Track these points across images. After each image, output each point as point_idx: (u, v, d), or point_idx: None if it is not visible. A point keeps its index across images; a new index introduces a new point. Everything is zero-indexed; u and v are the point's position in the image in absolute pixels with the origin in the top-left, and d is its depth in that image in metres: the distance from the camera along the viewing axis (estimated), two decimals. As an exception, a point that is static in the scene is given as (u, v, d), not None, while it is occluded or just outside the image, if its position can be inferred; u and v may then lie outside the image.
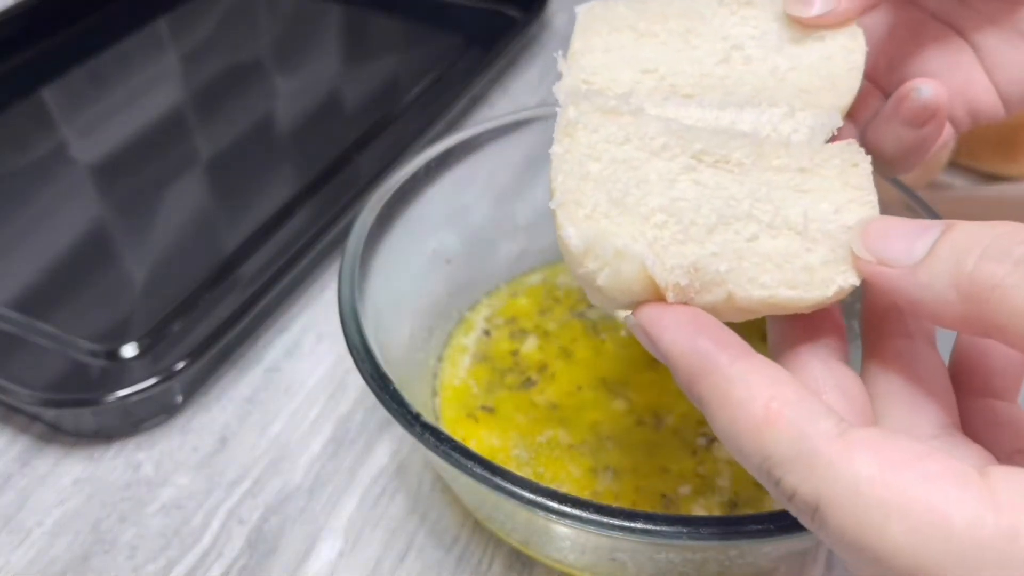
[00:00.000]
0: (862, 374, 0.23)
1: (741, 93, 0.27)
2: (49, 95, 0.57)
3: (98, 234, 0.47)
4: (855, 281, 0.21)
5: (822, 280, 0.21)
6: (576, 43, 0.28)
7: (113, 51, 0.61)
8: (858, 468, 0.17)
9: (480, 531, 0.34)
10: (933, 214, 0.33)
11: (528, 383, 0.37)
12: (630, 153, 0.23)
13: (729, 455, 0.32)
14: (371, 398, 0.39)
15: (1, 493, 0.36)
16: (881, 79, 0.30)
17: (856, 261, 0.21)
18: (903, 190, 0.34)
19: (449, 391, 0.37)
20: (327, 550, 0.34)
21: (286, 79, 0.59)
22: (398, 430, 0.38)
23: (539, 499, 0.24)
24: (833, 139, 0.25)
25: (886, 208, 0.22)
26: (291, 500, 0.36)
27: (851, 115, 0.28)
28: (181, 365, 0.37)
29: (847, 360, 0.23)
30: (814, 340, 0.22)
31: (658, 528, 0.24)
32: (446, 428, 0.34)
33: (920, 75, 0.28)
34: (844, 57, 0.27)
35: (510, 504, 0.25)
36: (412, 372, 0.34)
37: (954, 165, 0.47)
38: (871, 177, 0.23)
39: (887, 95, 0.28)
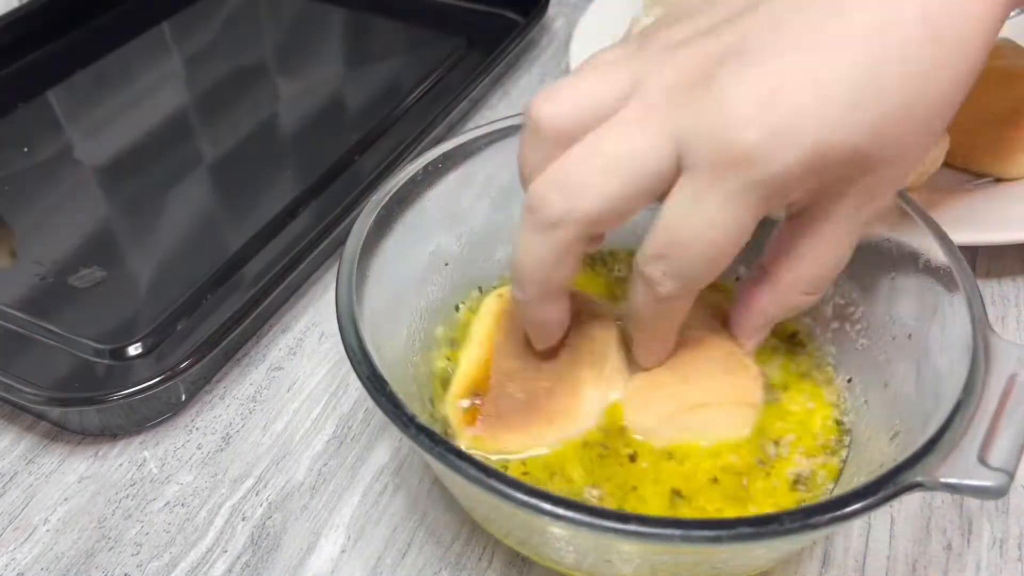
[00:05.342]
0: None
1: None
2: (55, 97, 0.58)
3: (103, 234, 0.47)
4: None
5: None
6: None
7: (118, 54, 0.61)
8: None
9: (480, 529, 0.35)
10: (925, 216, 0.33)
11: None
12: None
13: None
14: (372, 398, 0.39)
15: (7, 491, 0.37)
16: None
17: None
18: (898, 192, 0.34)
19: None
20: (329, 547, 0.34)
21: (289, 82, 0.59)
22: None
23: (533, 501, 0.24)
24: None
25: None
26: (294, 497, 0.36)
27: None
28: (185, 364, 0.37)
29: None
30: None
31: (651, 530, 0.24)
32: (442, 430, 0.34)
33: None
34: None
35: (505, 506, 0.25)
36: (409, 374, 0.35)
37: (948, 166, 0.47)
38: None
39: None
